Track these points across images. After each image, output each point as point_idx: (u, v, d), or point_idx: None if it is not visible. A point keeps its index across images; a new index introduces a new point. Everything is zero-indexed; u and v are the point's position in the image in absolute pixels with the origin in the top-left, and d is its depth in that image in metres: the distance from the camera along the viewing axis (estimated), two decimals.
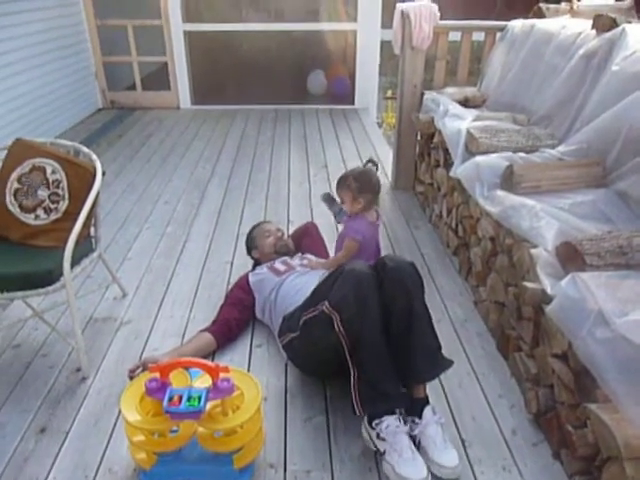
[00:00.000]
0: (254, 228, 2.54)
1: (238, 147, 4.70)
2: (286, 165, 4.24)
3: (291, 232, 2.76)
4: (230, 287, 2.38)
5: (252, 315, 2.25)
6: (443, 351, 1.73)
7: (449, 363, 1.71)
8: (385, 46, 5.50)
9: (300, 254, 2.42)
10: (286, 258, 2.34)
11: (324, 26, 5.91)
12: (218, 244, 2.98)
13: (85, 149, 2.17)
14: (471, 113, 2.80)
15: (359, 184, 2.06)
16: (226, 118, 5.63)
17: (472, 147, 2.44)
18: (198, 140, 4.92)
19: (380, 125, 7.16)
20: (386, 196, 3.60)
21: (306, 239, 2.59)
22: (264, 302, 2.18)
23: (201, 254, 2.87)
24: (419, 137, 3.54)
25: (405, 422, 1.63)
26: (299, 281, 2.11)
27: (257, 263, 2.45)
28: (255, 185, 3.84)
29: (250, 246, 2.49)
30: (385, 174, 3.97)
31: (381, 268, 1.69)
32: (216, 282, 2.59)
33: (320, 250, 2.52)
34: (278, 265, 2.28)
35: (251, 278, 2.29)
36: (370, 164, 2.13)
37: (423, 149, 3.44)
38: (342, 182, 2.13)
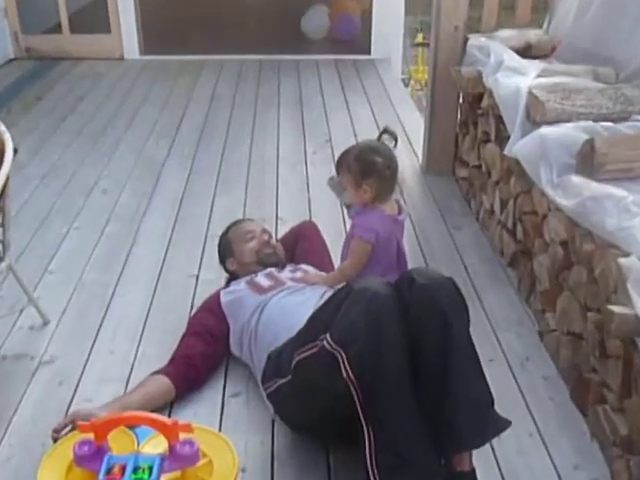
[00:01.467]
0: (230, 228, 2.57)
1: (206, 114, 4.72)
2: (274, 140, 4.25)
3: (281, 235, 2.79)
4: (194, 311, 2.40)
5: (225, 350, 2.27)
6: (496, 404, 1.72)
7: (504, 423, 1.71)
8: None
9: (293, 264, 2.45)
10: (272, 270, 2.36)
11: None
12: (178, 250, 3.00)
13: None
14: (535, 66, 2.80)
15: (362, 165, 2.09)
16: (189, 73, 5.66)
17: (536, 114, 2.45)
18: (150, 104, 4.94)
19: (407, 83, 7.20)
20: (414, 183, 3.62)
21: (302, 244, 2.62)
22: (241, 331, 2.20)
23: (154, 265, 2.89)
24: (461, 100, 3.56)
25: None
26: (290, 302, 2.13)
27: (233, 277, 2.48)
28: (231, 168, 3.85)
29: (224, 253, 2.53)
30: (414, 152, 3.99)
31: (406, 286, 1.71)
32: (175, 304, 2.61)
33: (321, 259, 2.55)
34: (261, 279, 2.31)
35: (223, 298, 2.31)
36: (385, 136, 2.16)
37: (467, 117, 3.45)
38: (341, 163, 2.16)
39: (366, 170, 2.08)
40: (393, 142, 2.15)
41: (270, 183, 3.65)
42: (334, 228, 3.05)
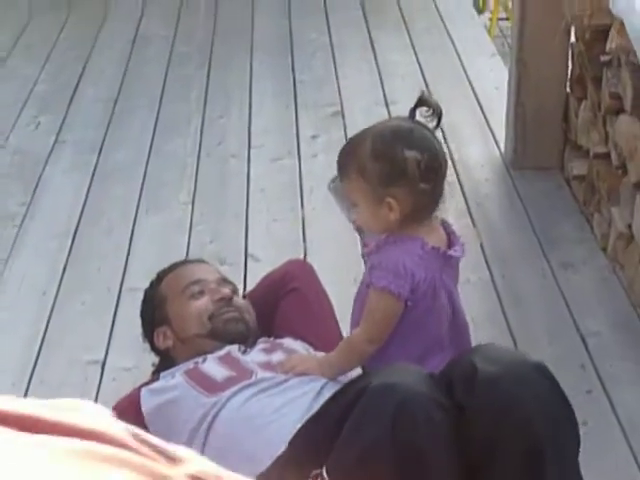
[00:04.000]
0: (164, 275, 2.67)
1: (124, 71, 4.83)
2: (243, 113, 4.34)
3: (252, 288, 2.84)
4: None
5: None
6: None
7: None
8: None
9: (268, 339, 2.54)
10: (232, 350, 2.43)
11: None
12: (68, 317, 3.07)
13: None
14: None
15: (385, 164, 2.12)
16: None
17: None
18: (24, 51, 5.02)
19: (480, 8, 7.18)
20: (492, 188, 3.65)
21: (287, 303, 2.66)
22: None
23: (24, 343, 2.95)
24: (574, 38, 3.57)
25: None
26: (261, 407, 2.18)
27: (166, 364, 2.56)
28: (165, 166, 3.94)
29: (152, 320, 2.62)
30: (492, 134, 4.03)
31: (463, 381, 1.77)
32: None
33: (321, 330, 2.62)
34: (211, 367, 2.38)
35: (146, 403, 2.37)
36: (423, 110, 2.18)
37: (582, 68, 3.46)
38: (346, 160, 2.19)
39: (393, 172, 2.11)
40: (434, 121, 2.18)
41: (235, 192, 3.72)
42: (349, 275, 3.09)
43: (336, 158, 2.18)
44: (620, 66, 3.08)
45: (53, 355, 2.91)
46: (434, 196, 2.16)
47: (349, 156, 2.19)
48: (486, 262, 3.19)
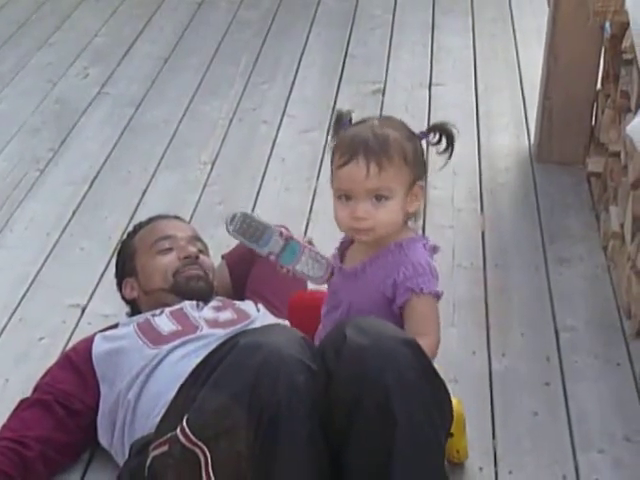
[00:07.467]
0: (139, 228, 2.75)
1: (183, 30, 4.90)
2: (286, 83, 4.38)
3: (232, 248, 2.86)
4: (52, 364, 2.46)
5: (88, 437, 2.34)
6: None
7: None
8: None
9: (222, 299, 2.56)
10: (186, 306, 2.47)
11: None
12: (65, 260, 3.16)
13: None
14: None
15: (415, 142, 2.06)
16: None
17: None
18: (91, 7, 5.14)
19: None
20: (513, 179, 3.65)
21: (258, 268, 2.70)
22: (116, 407, 2.28)
23: (15, 281, 3.06)
24: (607, 34, 3.54)
25: None
26: (194, 363, 2.14)
27: (133, 313, 2.65)
28: (197, 126, 4.00)
29: (123, 270, 2.69)
30: (526, 124, 4.03)
31: (334, 351, 1.79)
32: (30, 353, 2.71)
33: (284, 295, 2.62)
34: (161, 321, 2.42)
35: (97, 347, 2.41)
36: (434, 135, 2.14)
37: (609, 66, 3.44)
38: (383, 142, 2.03)
39: (422, 159, 2.08)
40: (443, 147, 2.11)
41: (256, 158, 3.75)
42: None
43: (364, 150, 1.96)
44: (632, 65, 3.03)
45: (39, 295, 2.98)
46: None
47: (385, 141, 2.02)
48: (483, 250, 3.19)
